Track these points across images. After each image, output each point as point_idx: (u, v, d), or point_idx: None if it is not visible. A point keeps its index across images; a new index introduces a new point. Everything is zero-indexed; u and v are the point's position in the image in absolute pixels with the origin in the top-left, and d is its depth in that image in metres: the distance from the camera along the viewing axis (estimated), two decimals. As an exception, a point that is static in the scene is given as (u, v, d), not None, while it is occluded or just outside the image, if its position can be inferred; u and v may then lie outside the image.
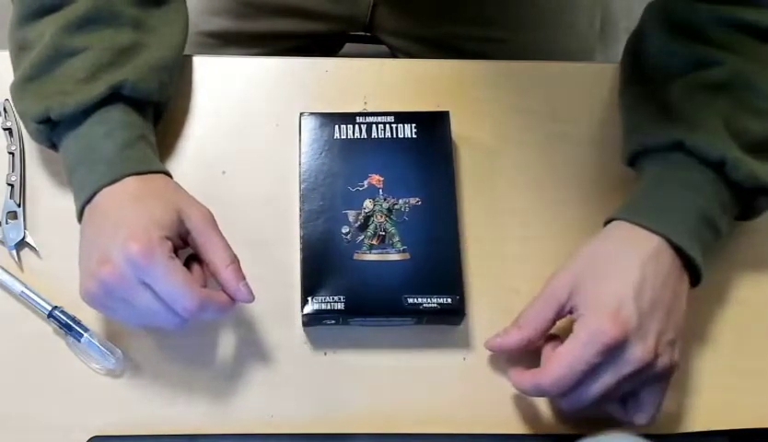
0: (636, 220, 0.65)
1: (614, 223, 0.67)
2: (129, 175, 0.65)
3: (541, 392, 0.63)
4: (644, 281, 0.62)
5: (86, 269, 0.63)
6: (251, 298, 0.64)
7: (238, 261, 0.64)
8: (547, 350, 0.66)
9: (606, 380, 0.61)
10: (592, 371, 0.61)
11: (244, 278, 0.64)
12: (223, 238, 0.65)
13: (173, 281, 0.60)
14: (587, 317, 0.62)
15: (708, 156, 0.65)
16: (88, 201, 0.65)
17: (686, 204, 0.65)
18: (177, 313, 0.61)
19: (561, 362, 0.61)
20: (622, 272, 0.63)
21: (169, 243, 0.62)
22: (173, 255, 0.61)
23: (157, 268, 0.60)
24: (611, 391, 0.62)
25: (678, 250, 0.64)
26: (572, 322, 0.64)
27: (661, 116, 0.69)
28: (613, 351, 0.60)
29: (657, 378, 0.63)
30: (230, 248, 0.64)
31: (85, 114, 0.67)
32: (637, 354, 0.60)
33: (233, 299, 0.63)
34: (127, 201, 0.64)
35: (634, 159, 0.71)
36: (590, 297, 0.63)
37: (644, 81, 0.73)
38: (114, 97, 0.67)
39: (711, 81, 0.68)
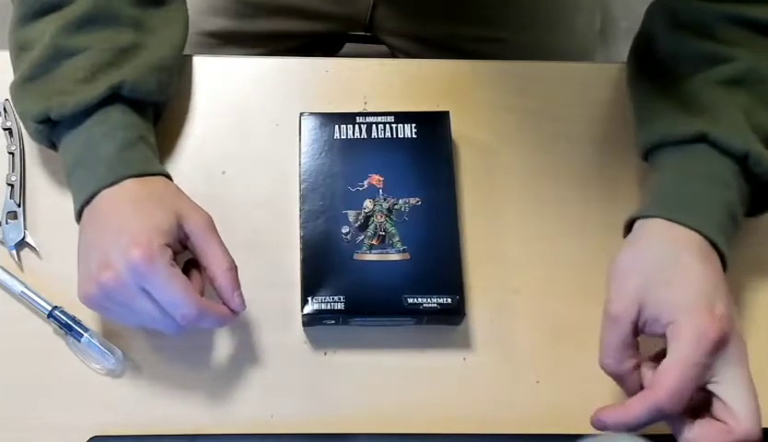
0: (674, 217, 0.63)
1: (651, 221, 0.64)
2: (128, 177, 0.65)
3: (659, 412, 0.58)
4: (710, 276, 0.61)
5: (85, 272, 0.63)
6: (243, 308, 0.64)
7: (236, 269, 0.65)
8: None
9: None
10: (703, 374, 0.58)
11: (239, 287, 0.64)
12: (222, 243, 0.65)
13: (173, 289, 0.60)
14: (682, 321, 0.59)
15: (732, 148, 0.64)
16: (87, 202, 0.65)
17: (715, 199, 0.64)
18: (175, 320, 0.61)
19: (672, 372, 0.58)
20: (688, 271, 0.61)
21: (170, 251, 0.62)
22: (174, 263, 0.62)
23: (157, 276, 0.60)
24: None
25: (713, 246, 0.63)
26: None
27: (681, 108, 0.68)
28: (719, 347, 0.58)
29: None
30: (229, 254, 0.65)
31: (84, 114, 0.67)
32: (740, 345, 0.59)
33: (230, 309, 0.64)
34: (127, 204, 0.64)
35: (649, 151, 0.69)
36: (672, 302, 0.60)
37: (658, 76, 0.72)
38: (114, 97, 0.67)
39: (726, 77, 0.68)
